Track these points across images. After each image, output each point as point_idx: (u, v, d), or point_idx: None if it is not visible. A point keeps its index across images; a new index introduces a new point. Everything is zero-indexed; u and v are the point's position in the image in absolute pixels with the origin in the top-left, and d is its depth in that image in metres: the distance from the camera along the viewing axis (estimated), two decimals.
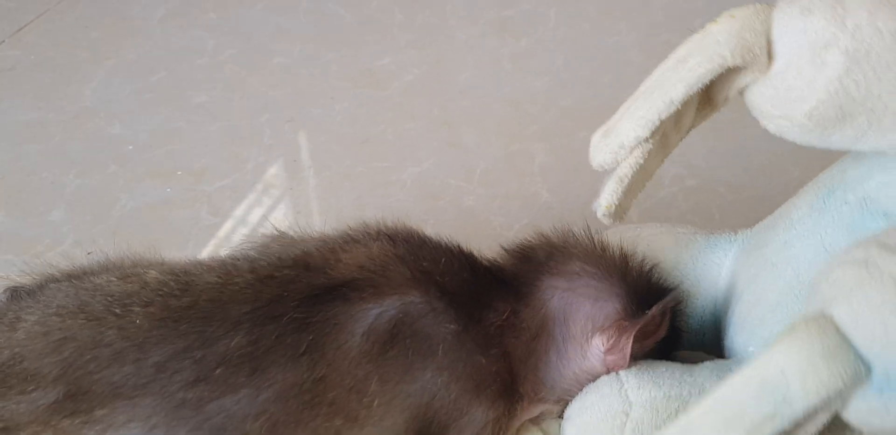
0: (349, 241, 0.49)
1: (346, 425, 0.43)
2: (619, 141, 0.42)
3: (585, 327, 0.47)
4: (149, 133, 0.92)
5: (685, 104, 0.41)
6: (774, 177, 0.81)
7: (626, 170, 0.43)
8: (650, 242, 0.55)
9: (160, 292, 0.46)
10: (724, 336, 0.52)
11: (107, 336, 0.44)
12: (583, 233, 0.51)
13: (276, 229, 0.55)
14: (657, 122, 0.41)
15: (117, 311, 0.45)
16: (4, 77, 1.02)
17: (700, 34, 0.41)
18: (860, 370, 0.34)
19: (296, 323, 0.44)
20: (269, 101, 0.98)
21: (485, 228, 0.77)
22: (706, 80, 0.40)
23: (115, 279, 0.48)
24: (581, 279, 0.48)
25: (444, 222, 0.75)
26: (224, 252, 0.68)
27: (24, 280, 0.54)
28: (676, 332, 0.51)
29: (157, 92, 1.00)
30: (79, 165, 0.87)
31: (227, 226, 0.80)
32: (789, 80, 0.39)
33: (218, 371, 0.43)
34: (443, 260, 0.48)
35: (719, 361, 0.49)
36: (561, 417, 0.48)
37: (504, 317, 0.47)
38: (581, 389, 0.47)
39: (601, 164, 0.44)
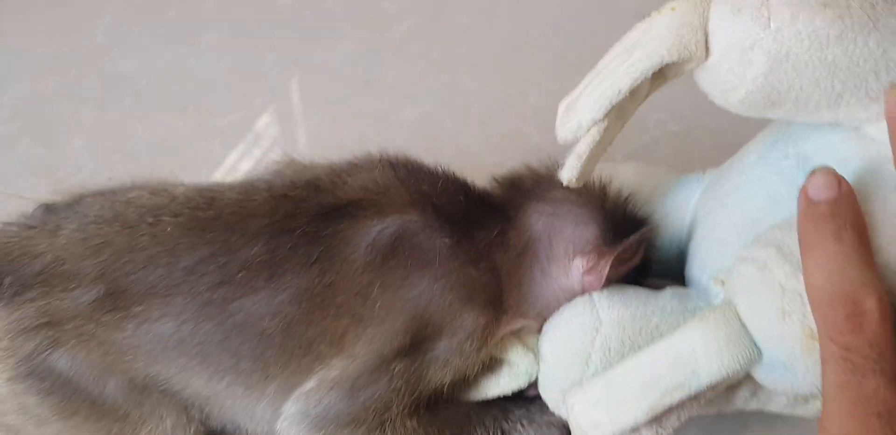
0: (354, 167, 0.54)
1: (352, 325, 0.48)
2: (577, 120, 0.46)
3: (567, 249, 0.51)
4: (161, 70, 0.96)
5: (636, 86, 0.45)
6: (753, 124, 0.85)
7: (583, 147, 0.47)
8: (626, 178, 0.59)
9: (188, 205, 0.51)
10: (685, 267, 0.56)
11: (141, 242, 0.49)
12: None
13: (288, 156, 0.60)
14: (609, 107, 0.45)
15: (150, 220, 0.50)
16: (20, 12, 1.05)
17: (646, 23, 0.45)
18: (754, 355, 0.41)
19: (307, 236, 0.49)
20: (275, 41, 1.01)
21: (479, 166, 0.82)
22: (648, 74, 0.44)
23: (146, 193, 0.53)
24: (564, 205, 0.52)
25: (440, 161, 0.79)
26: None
27: (55, 198, 0.58)
28: (646, 261, 0.54)
29: (168, 30, 1.03)
30: (95, 99, 0.91)
31: (236, 158, 0.85)
32: (722, 73, 0.43)
33: (240, 275, 0.48)
34: (439, 184, 0.53)
35: (679, 288, 0.53)
36: (539, 332, 0.52)
37: (493, 235, 0.51)
38: (558, 307, 0.51)
39: (562, 140, 0.48)
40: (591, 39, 0.97)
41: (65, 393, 0.49)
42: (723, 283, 0.47)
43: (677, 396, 0.42)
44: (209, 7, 1.07)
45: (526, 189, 0.54)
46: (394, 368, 0.48)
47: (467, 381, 0.52)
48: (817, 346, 0.38)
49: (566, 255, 0.51)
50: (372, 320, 0.48)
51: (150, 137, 0.86)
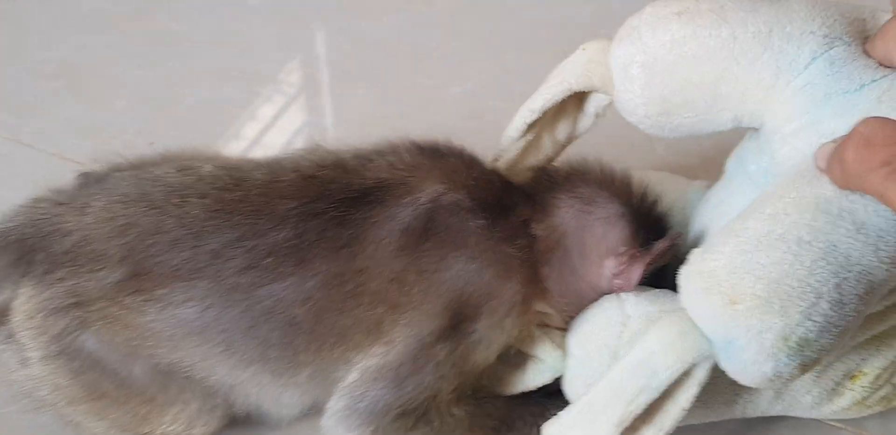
0: (379, 150, 0.53)
1: (388, 312, 0.48)
2: (507, 132, 0.56)
3: (599, 248, 0.51)
4: (207, 32, 0.96)
5: (559, 115, 0.55)
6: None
7: (511, 154, 0.56)
8: (654, 184, 0.59)
9: (215, 186, 0.50)
10: None
11: (167, 224, 0.48)
12: (598, 163, 0.54)
13: (314, 143, 0.57)
14: (524, 124, 0.54)
15: (176, 201, 0.49)
16: None
17: (573, 56, 0.53)
18: (705, 344, 0.44)
19: (337, 220, 0.48)
20: (321, 8, 1.00)
21: None
22: (558, 99, 0.52)
23: (172, 171, 0.52)
24: (595, 202, 0.52)
25: (482, 141, 0.78)
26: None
27: (93, 165, 0.58)
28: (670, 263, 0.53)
29: None
30: (140, 59, 0.91)
31: (277, 128, 0.84)
32: (621, 96, 0.51)
33: (268, 260, 0.47)
34: (470, 167, 0.52)
35: None
36: (565, 329, 0.53)
37: (525, 220, 0.51)
38: (581, 301, 0.52)
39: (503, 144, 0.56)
40: None
41: (94, 374, 0.49)
42: None
43: (642, 400, 0.44)
44: None
45: (557, 181, 0.54)
46: (437, 354, 0.48)
47: (497, 375, 0.52)
48: (739, 308, 0.41)
49: (598, 254, 0.51)
50: (409, 306, 0.48)
51: (192, 100, 0.86)
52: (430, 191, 0.49)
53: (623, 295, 0.50)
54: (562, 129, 0.57)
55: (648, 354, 0.44)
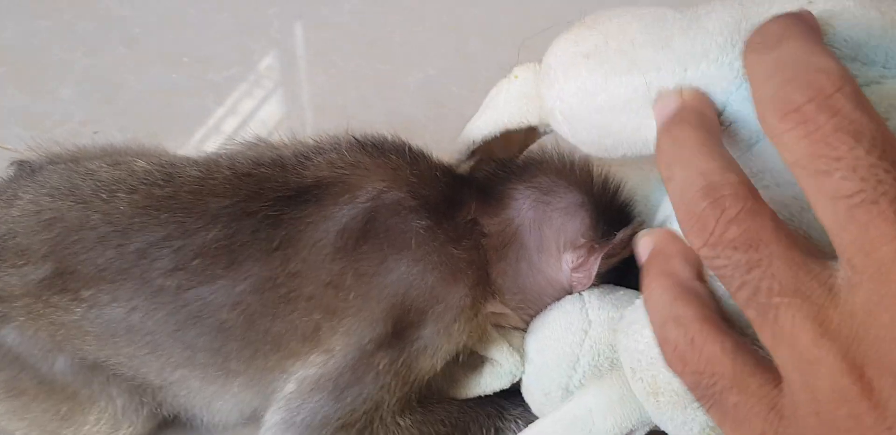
0: (320, 146, 0.50)
1: (325, 318, 0.45)
2: (456, 152, 0.53)
3: (558, 241, 0.48)
4: (157, 17, 0.92)
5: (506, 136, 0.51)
6: None
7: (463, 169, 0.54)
8: (616, 171, 0.56)
9: (145, 181, 0.47)
10: None
11: (92, 219, 0.45)
12: (556, 151, 0.52)
13: (256, 136, 0.56)
14: (467, 151, 0.52)
15: (104, 196, 0.46)
16: None
17: (504, 86, 0.49)
18: (644, 413, 0.42)
19: (270, 220, 0.45)
20: None
21: None
22: (496, 134, 0.49)
23: (105, 165, 0.49)
24: (553, 192, 0.49)
25: (444, 129, 0.76)
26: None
27: (31, 155, 0.55)
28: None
29: None
30: (87, 45, 0.88)
31: (230, 117, 0.81)
32: (558, 130, 0.46)
33: (196, 262, 0.44)
34: (414, 163, 0.49)
35: None
36: (524, 329, 0.50)
37: (475, 216, 0.48)
38: (540, 298, 0.49)
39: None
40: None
41: (13, 371, 0.47)
42: None
43: None
44: None
45: (514, 171, 0.51)
46: (378, 363, 0.45)
47: (452, 378, 0.50)
48: (662, 400, 0.39)
49: (557, 247, 0.48)
50: (347, 312, 0.45)
51: (141, 89, 0.83)
52: (369, 189, 0.47)
53: (586, 297, 0.48)
54: (515, 140, 0.53)
55: (586, 412, 0.43)
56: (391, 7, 0.95)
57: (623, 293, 0.48)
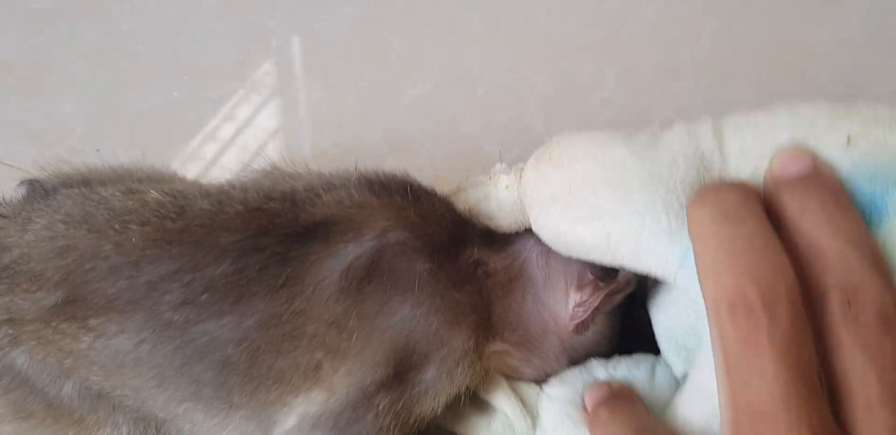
0: (332, 182, 0.50)
1: (327, 357, 0.45)
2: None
3: (565, 275, 0.49)
4: (158, 32, 0.93)
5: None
6: None
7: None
8: None
9: (157, 213, 0.47)
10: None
11: (105, 250, 0.45)
12: None
13: (270, 163, 0.56)
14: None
15: (116, 226, 0.46)
16: None
17: (493, 190, 0.51)
18: None
19: (278, 256, 0.45)
20: (277, 5, 0.97)
21: (477, 155, 0.80)
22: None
23: (119, 194, 0.49)
24: None
25: (439, 146, 0.77)
26: (228, 160, 0.71)
27: (37, 173, 0.56)
28: (639, 288, 0.52)
29: None
30: (89, 59, 0.88)
31: (231, 131, 0.82)
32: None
33: (204, 296, 0.44)
34: (418, 201, 0.49)
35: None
36: (524, 366, 0.51)
37: (481, 255, 0.49)
38: (543, 334, 0.50)
39: None
40: (601, 29, 0.94)
41: (22, 392, 0.47)
42: None
43: None
44: None
45: None
46: (378, 404, 0.45)
47: (457, 416, 0.50)
48: None
49: (564, 282, 0.49)
50: (349, 352, 0.45)
51: (142, 104, 0.84)
52: (374, 229, 0.47)
53: (611, 365, 0.49)
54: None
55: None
56: (388, 23, 0.96)
57: (639, 361, 0.50)
